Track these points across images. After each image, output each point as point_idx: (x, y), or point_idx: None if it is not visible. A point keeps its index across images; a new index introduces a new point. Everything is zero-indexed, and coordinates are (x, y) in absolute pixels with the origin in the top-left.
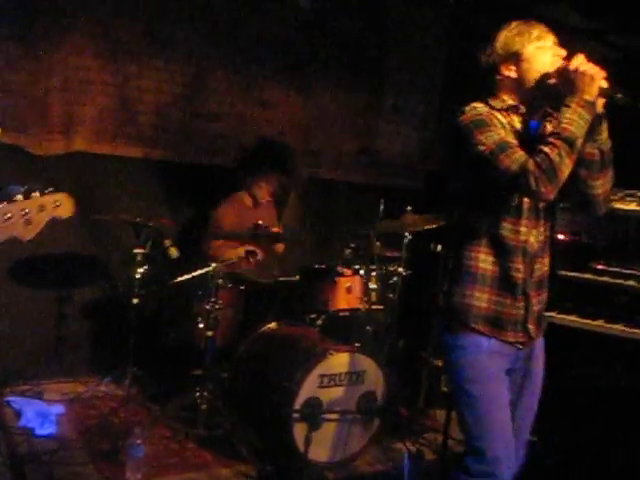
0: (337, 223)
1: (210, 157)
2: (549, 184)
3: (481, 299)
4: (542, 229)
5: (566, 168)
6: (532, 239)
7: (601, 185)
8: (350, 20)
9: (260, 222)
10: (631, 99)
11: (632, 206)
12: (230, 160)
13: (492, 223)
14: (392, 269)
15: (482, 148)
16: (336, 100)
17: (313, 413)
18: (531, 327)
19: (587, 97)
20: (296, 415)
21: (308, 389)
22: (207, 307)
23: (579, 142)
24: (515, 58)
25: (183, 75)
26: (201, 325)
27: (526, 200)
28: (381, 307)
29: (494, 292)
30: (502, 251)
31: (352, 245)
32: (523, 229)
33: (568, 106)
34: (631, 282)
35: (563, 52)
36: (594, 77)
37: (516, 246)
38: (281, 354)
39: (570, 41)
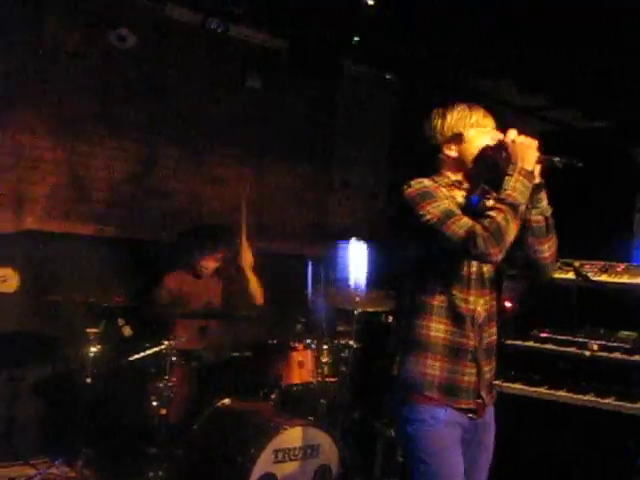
0: (289, 297)
1: (162, 234)
2: (497, 246)
3: (434, 367)
4: (488, 298)
5: (511, 231)
6: (479, 308)
7: (548, 249)
8: (300, 98)
9: (210, 300)
10: (569, 159)
11: (570, 275)
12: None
13: (443, 292)
14: (343, 342)
15: (429, 217)
16: (287, 175)
17: None
18: (483, 394)
19: (526, 166)
20: None
21: (263, 465)
22: (160, 385)
23: (522, 208)
24: (456, 140)
25: (135, 153)
26: (155, 403)
27: (473, 270)
28: (334, 380)
29: (446, 360)
30: (453, 319)
31: (303, 319)
32: (471, 298)
33: (510, 175)
34: (572, 349)
35: (500, 135)
36: (530, 147)
37: (466, 315)
38: (235, 430)
39: (509, 116)
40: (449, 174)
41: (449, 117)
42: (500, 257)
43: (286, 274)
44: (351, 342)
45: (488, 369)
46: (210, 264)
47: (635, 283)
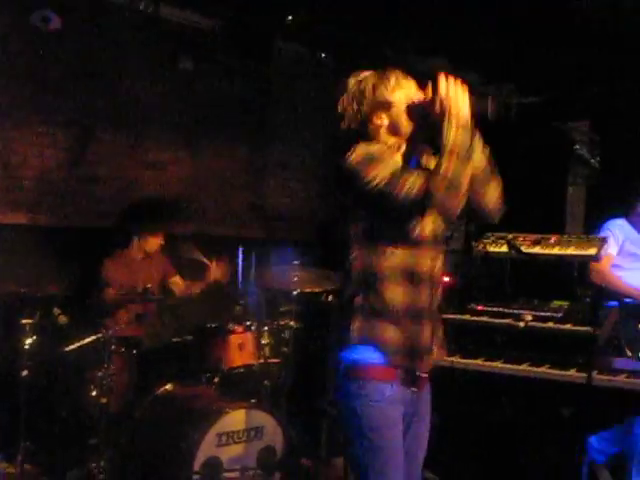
0: (229, 279)
1: (97, 220)
2: (455, 198)
3: (395, 332)
4: (441, 256)
5: (465, 180)
6: (436, 269)
7: (494, 191)
8: (234, 80)
9: (149, 285)
10: (502, 107)
11: (503, 248)
12: (117, 222)
13: (397, 256)
14: (283, 323)
15: (378, 180)
16: (223, 158)
17: (213, 473)
18: (437, 352)
19: (462, 115)
20: (196, 477)
21: (206, 449)
22: (99, 374)
23: (470, 152)
24: (384, 107)
25: (67, 139)
26: (94, 392)
27: (428, 230)
28: (276, 361)
29: (407, 323)
30: (410, 282)
31: (242, 302)
32: (428, 260)
33: (448, 128)
34: (507, 320)
35: (425, 94)
36: (462, 96)
37: (423, 277)
38: (177, 416)
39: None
40: (385, 139)
41: (368, 85)
42: (459, 207)
43: (225, 257)
44: (291, 323)
45: (438, 326)
46: (151, 243)
47: (566, 254)
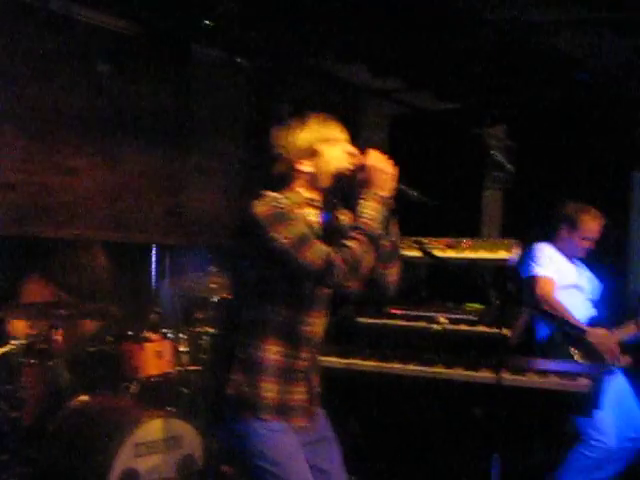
0: (143, 287)
1: (8, 228)
2: (353, 278)
3: (268, 389)
4: (325, 318)
5: (368, 263)
6: (318, 329)
7: (393, 273)
8: (152, 84)
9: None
10: (424, 197)
11: (418, 252)
12: (28, 230)
13: (283, 314)
14: (201, 330)
15: (284, 241)
16: (141, 164)
17: None
18: (314, 407)
19: (383, 193)
20: None
21: (123, 460)
22: (9, 388)
23: (379, 237)
24: (309, 154)
25: None
26: (4, 407)
27: (317, 292)
28: (195, 368)
29: (280, 382)
30: (290, 342)
31: (158, 309)
32: (312, 319)
33: (367, 200)
34: (422, 323)
35: (355, 150)
36: (389, 173)
37: (305, 337)
38: (93, 427)
39: (362, 99)
40: (301, 191)
41: (302, 131)
42: (355, 288)
43: (142, 264)
44: (209, 329)
45: (316, 382)
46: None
47: (478, 258)
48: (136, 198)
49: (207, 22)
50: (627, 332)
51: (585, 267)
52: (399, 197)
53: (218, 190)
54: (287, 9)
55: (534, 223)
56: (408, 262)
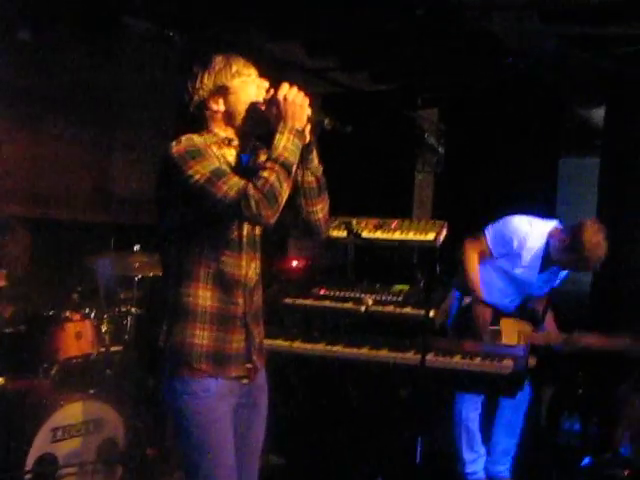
0: (64, 265)
1: None
2: (270, 208)
3: (202, 337)
4: (258, 261)
5: (285, 192)
6: (251, 272)
7: (321, 209)
8: (78, 55)
9: None
10: (339, 123)
11: (345, 233)
12: None
13: (211, 258)
14: (125, 309)
15: (197, 177)
16: (66, 138)
17: (47, 470)
18: (254, 358)
19: (297, 125)
20: (28, 476)
21: (40, 446)
22: None
23: (294, 168)
24: (221, 92)
25: None
26: None
27: (245, 233)
28: (118, 349)
29: (215, 328)
30: (222, 286)
31: (79, 289)
32: (243, 262)
33: (281, 133)
34: (349, 304)
35: (266, 83)
36: (302, 105)
37: (237, 280)
38: (9, 412)
39: (295, 78)
40: (217, 131)
41: (209, 70)
42: (273, 220)
43: (65, 242)
44: (133, 309)
45: (257, 332)
46: None
47: (405, 239)
48: (60, 174)
49: None
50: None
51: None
52: (316, 128)
53: (146, 166)
54: None
55: (464, 206)
56: (336, 243)
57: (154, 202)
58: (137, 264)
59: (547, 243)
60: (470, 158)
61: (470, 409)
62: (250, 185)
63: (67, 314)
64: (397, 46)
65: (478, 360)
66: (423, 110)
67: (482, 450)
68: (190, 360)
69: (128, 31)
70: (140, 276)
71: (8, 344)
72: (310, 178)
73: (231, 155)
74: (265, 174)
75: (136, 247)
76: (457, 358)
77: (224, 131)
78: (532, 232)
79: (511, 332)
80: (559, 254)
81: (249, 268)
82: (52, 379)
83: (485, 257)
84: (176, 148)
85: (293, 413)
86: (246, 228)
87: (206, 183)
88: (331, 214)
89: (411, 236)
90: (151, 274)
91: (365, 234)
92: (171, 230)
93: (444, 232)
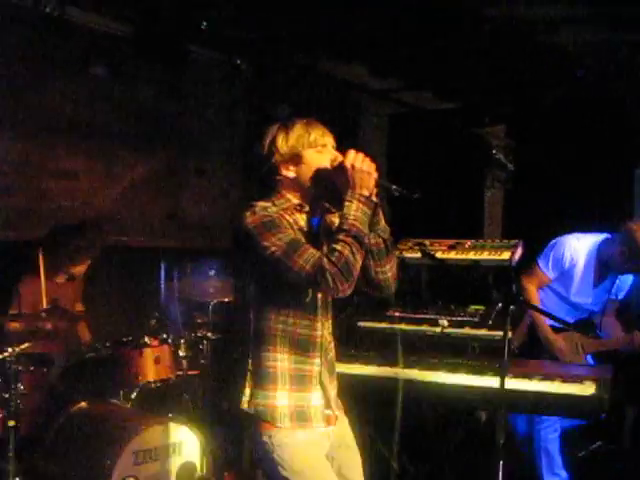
0: (140, 291)
1: (6, 232)
2: (346, 281)
3: (283, 398)
4: (331, 320)
5: (358, 264)
6: (325, 332)
7: (390, 269)
8: (148, 85)
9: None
10: (405, 190)
11: (419, 254)
12: (26, 234)
13: (286, 321)
14: (201, 334)
15: (273, 249)
16: (139, 167)
17: None
18: (331, 412)
19: (365, 192)
20: None
21: (122, 468)
22: (6, 396)
23: (366, 238)
24: (295, 160)
25: None
26: (0, 415)
27: (319, 296)
28: (195, 373)
29: (294, 389)
30: (299, 349)
31: (157, 314)
32: (318, 324)
33: (350, 201)
34: (425, 326)
35: (339, 156)
36: (369, 172)
37: (313, 342)
38: (92, 435)
39: (362, 99)
40: (289, 196)
41: (287, 136)
42: (349, 292)
43: (140, 268)
44: (209, 334)
45: (332, 386)
46: (80, 268)
47: (480, 259)
48: (134, 202)
49: (204, 23)
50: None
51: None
52: (383, 193)
53: (217, 192)
54: (285, 9)
55: (536, 222)
56: (410, 264)
57: (231, 271)
58: (212, 289)
59: (597, 256)
60: (540, 173)
61: (549, 431)
62: (325, 260)
63: (145, 339)
64: (461, 63)
65: (558, 381)
66: (491, 127)
67: (563, 473)
68: (274, 421)
69: (196, 60)
70: (215, 301)
71: (89, 369)
72: (378, 240)
73: (302, 220)
74: (339, 247)
75: (211, 272)
76: (536, 380)
77: (294, 196)
78: (580, 248)
79: (569, 345)
80: (622, 265)
81: (324, 329)
82: (132, 403)
83: (543, 285)
84: (251, 219)
85: (369, 437)
86: (320, 295)
87: (282, 256)
88: (403, 235)
89: (486, 256)
90: (226, 299)
91: (439, 255)
92: (248, 296)
93: (519, 251)
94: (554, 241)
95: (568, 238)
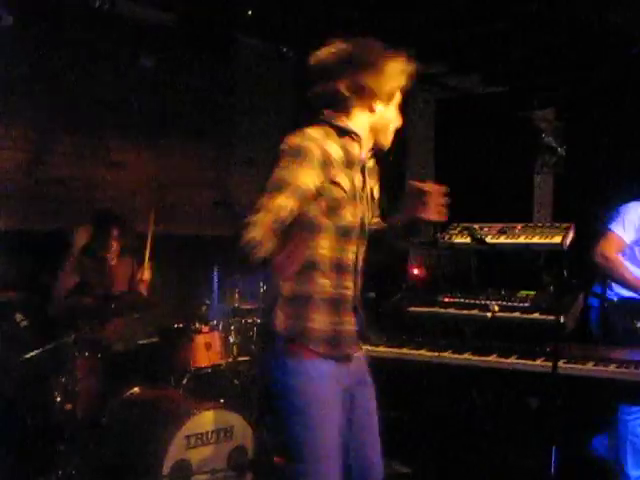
0: (190, 278)
1: (59, 222)
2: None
3: (320, 321)
4: (365, 247)
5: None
6: (359, 257)
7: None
8: (195, 76)
9: (111, 286)
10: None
11: (468, 239)
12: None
13: (325, 246)
14: (250, 321)
15: (274, 178)
16: (187, 155)
17: (183, 476)
18: (361, 340)
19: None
20: None
21: (175, 452)
22: (63, 380)
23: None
24: (374, 69)
25: (26, 141)
26: (59, 399)
27: (354, 220)
28: (245, 359)
29: (331, 312)
30: (335, 272)
31: (207, 301)
32: (352, 247)
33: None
34: (475, 311)
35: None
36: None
37: (347, 265)
38: (145, 419)
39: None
40: (347, 122)
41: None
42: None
43: (190, 255)
44: (258, 320)
45: (362, 313)
46: (111, 250)
47: (531, 243)
48: (183, 190)
49: (250, 11)
50: None
51: None
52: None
53: (265, 180)
54: None
55: (586, 206)
56: (459, 249)
57: None
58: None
59: None
60: (592, 156)
61: (637, 422)
62: (265, 231)
63: (196, 326)
64: (508, 46)
65: (613, 367)
66: (540, 110)
67: None
68: (308, 343)
69: (243, 49)
70: (265, 287)
71: (142, 355)
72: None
73: (353, 148)
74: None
75: None
76: (590, 365)
77: (354, 123)
78: None
79: None
80: None
81: (359, 254)
82: (184, 388)
83: (620, 252)
84: (289, 140)
85: (419, 421)
86: (358, 215)
87: (273, 191)
88: (452, 220)
89: (537, 240)
90: None
91: (489, 239)
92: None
93: (571, 235)
94: (622, 208)
95: (636, 203)
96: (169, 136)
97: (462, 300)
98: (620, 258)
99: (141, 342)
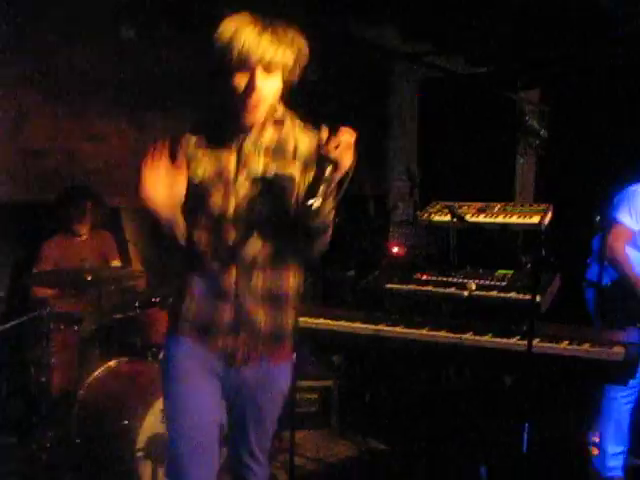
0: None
1: (37, 194)
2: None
3: (189, 303)
4: (263, 241)
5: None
6: (248, 249)
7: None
8: (177, 49)
9: (84, 263)
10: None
11: (447, 217)
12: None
13: (205, 228)
14: None
15: None
16: (170, 129)
17: (158, 449)
18: (248, 340)
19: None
20: (140, 453)
21: (150, 425)
22: (38, 353)
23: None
24: None
25: (4, 111)
26: (33, 372)
27: (230, 209)
28: None
29: (202, 297)
30: (214, 259)
31: None
32: (237, 237)
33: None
34: (452, 289)
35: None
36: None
37: (230, 254)
38: (121, 392)
39: (393, 62)
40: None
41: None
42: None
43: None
44: None
45: (263, 314)
46: (82, 226)
47: (509, 222)
48: None
49: None
50: None
51: None
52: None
53: None
54: None
55: (568, 190)
56: (438, 227)
57: None
58: None
59: None
60: (575, 139)
61: (622, 400)
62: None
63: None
64: (493, 26)
65: (587, 346)
66: (524, 91)
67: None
68: (175, 325)
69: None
70: None
71: (118, 329)
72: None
73: None
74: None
75: None
76: (564, 344)
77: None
78: None
79: None
80: None
81: (249, 246)
82: (160, 363)
83: (629, 241)
84: None
85: (395, 398)
86: (233, 201)
87: None
88: (433, 199)
89: (515, 219)
90: None
91: (468, 218)
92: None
93: (549, 215)
94: (623, 194)
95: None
96: (149, 109)
97: (440, 278)
98: (628, 258)
99: (118, 315)
